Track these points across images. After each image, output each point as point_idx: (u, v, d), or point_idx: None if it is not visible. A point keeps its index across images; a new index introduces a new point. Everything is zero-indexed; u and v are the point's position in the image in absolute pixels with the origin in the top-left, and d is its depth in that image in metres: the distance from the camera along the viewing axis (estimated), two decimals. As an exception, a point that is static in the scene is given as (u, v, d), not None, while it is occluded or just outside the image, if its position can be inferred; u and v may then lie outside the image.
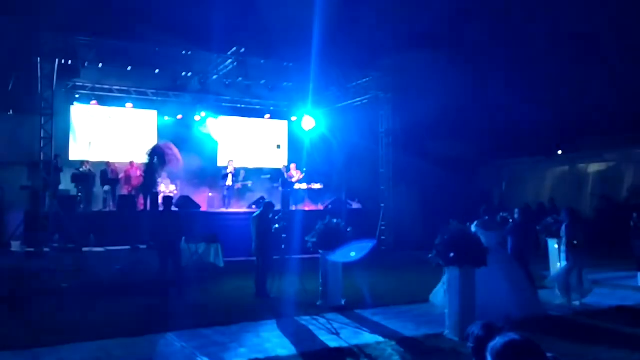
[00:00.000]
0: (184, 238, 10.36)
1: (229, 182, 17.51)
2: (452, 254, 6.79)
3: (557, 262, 9.95)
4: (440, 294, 8.18)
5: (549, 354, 2.58)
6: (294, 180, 18.23)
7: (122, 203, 14.73)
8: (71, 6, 14.48)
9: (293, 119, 21.07)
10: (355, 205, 18.33)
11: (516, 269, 8.10)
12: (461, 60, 23.76)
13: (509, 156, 23.54)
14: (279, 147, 20.84)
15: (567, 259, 8.86)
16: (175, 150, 16.98)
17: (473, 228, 7.77)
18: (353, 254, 8.89)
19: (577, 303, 8.74)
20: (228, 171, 17.47)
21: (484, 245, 7.08)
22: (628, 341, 6.69)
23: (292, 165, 18.68)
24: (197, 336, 6.95)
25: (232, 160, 18.23)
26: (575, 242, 8.73)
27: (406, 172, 18.34)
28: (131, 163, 16.62)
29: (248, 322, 7.59)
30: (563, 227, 9.03)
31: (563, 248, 9.00)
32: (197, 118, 18.72)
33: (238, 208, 17.16)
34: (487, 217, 8.17)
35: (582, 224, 9.46)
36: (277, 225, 9.82)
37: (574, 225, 8.90)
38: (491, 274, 7.43)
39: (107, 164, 16.38)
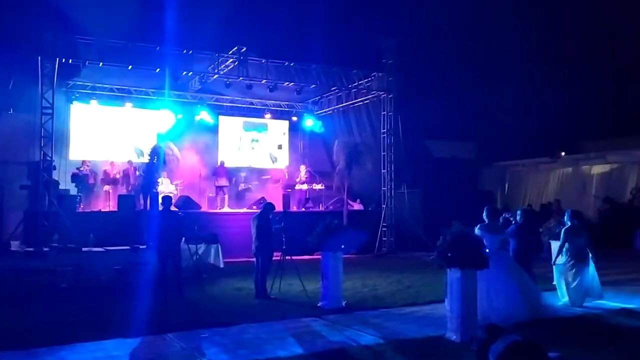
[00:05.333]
0: (183, 238, 10.31)
1: (224, 182, 17.50)
2: (453, 256, 6.73)
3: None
4: None
5: (556, 354, 2.54)
6: (297, 180, 18.22)
7: (121, 203, 14.69)
8: (72, 5, 14.47)
9: (294, 119, 21.03)
10: (357, 206, 18.29)
11: (520, 272, 8.04)
12: (464, 61, 23.72)
13: (512, 157, 23.48)
14: (279, 147, 20.80)
15: (571, 262, 8.78)
16: (175, 150, 16.97)
17: (476, 231, 7.71)
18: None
19: (578, 304, 8.67)
20: (221, 171, 17.52)
21: (487, 248, 7.02)
22: (632, 343, 6.62)
23: (302, 167, 18.65)
24: (197, 337, 6.90)
25: (223, 161, 18.23)
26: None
27: (408, 173, 18.29)
28: (130, 162, 16.61)
29: (248, 324, 7.53)
30: (564, 229, 8.95)
31: (566, 248, 8.91)
32: (197, 118, 18.68)
33: (238, 208, 17.13)
34: (489, 220, 8.09)
35: (586, 225, 9.38)
36: (277, 226, 9.77)
37: (577, 227, 8.83)
38: (495, 277, 7.37)
39: (110, 164, 16.37)
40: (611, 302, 9.01)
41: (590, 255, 8.84)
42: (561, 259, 8.93)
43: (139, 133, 18.36)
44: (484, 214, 8.17)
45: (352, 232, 9.03)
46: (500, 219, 8.92)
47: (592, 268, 8.88)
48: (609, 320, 7.87)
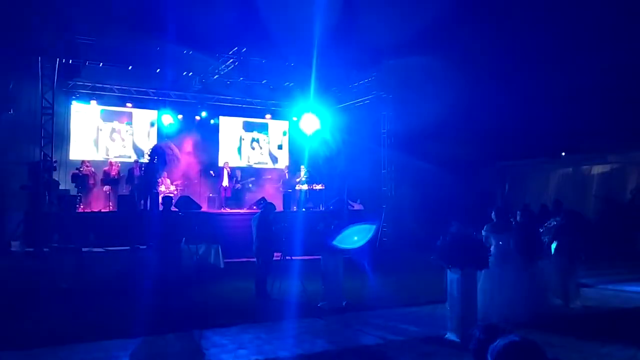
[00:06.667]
0: (183, 239, 10.31)
1: (225, 182, 17.52)
2: (453, 256, 6.74)
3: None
4: None
5: (550, 356, 2.54)
6: (297, 180, 18.21)
7: (122, 203, 14.69)
8: (72, 5, 14.47)
9: (294, 119, 21.03)
10: (357, 206, 18.27)
11: (528, 271, 8.03)
12: (464, 61, 23.69)
13: (512, 157, 23.45)
14: (280, 147, 20.80)
15: (563, 262, 8.81)
16: (176, 150, 16.98)
17: (483, 232, 7.72)
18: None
19: (578, 304, 8.67)
20: (224, 172, 17.56)
21: (488, 247, 7.02)
22: (631, 343, 6.62)
23: (302, 167, 18.65)
24: (197, 337, 6.91)
25: (227, 162, 18.26)
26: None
27: (408, 173, 18.28)
28: (136, 162, 16.60)
29: (248, 324, 7.54)
30: (560, 229, 8.93)
31: (560, 250, 8.92)
32: (197, 118, 18.69)
33: (238, 209, 17.13)
34: (497, 220, 8.09)
35: (582, 226, 9.36)
36: (279, 226, 9.78)
37: (571, 228, 8.83)
38: (499, 276, 7.37)
39: (109, 164, 16.37)
40: (611, 301, 9.02)
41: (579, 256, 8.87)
42: (559, 258, 8.94)
43: (139, 133, 18.38)
44: (493, 214, 8.16)
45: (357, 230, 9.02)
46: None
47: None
48: (608, 320, 7.87)
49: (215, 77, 16.12)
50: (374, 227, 10.05)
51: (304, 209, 17.55)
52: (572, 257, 8.82)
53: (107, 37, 14.12)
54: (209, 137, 19.11)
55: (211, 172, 18.10)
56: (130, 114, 18.42)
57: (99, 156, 17.27)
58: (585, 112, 22.31)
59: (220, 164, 18.67)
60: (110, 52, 14.22)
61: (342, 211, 16.35)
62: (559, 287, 8.91)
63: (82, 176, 15.39)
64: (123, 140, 18.16)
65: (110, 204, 15.70)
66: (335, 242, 8.65)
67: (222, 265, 12.42)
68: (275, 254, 9.77)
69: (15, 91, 14.31)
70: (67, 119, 16.96)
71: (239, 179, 18.43)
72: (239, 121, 20.39)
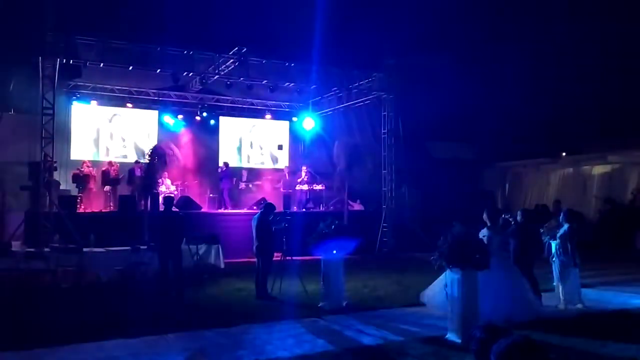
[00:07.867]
0: (184, 239, 10.31)
1: (228, 183, 17.54)
2: (454, 256, 6.73)
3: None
4: (430, 295, 8.11)
5: (551, 356, 2.55)
6: (298, 180, 18.22)
7: (122, 203, 14.69)
8: (73, 6, 14.48)
9: (294, 119, 21.03)
10: (357, 207, 18.29)
11: (517, 273, 8.04)
12: (464, 61, 23.72)
13: (513, 158, 23.47)
14: (280, 147, 20.80)
15: (566, 263, 8.78)
16: (176, 150, 16.99)
17: (485, 231, 7.71)
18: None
19: (580, 306, 8.66)
20: (221, 171, 17.61)
21: (488, 248, 7.02)
22: (631, 343, 6.62)
23: (303, 168, 18.66)
24: (198, 338, 6.91)
25: (227, 162, 18.27)
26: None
27: (408, 173, 18.28)
28: (137, 162, 16.61)
29: (248, 324, 7.54)
30: (561, 230, 8.90)
31: (561, 251, 8.88)
32: (198, 118, 18.69)
33: (239, 209, 17.13)
34: (491, 223, 8.08)
35: (582, 226, 9.33)
36: (279, 226, 9.78)
37: (572, 228, 8.81)
38: (497, 277, 7.36)
39: (108, 163, 16.35)
40: (611, 302, 9.01)
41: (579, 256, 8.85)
42: (559, 260, 8.91)
43: (140, 134, 18.38)
44: (485, 215, 8.14)
45: (349, 236, 8.97)
46: (500, 220, 8.90)
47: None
48: (609, 321, 7.87)
49: (215, 77, 16.10)
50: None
51: (304, 210, 17.55)
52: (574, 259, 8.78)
53: (107, 37, 14.11)
54: (209, 137, 19.12)
55: (219, 168, 18.16)
56: (131, 115, 18.40)
57: (99, 157, 17.27)
58: (586, 112, 22.33)
59: (221, 164, 18.67)
60: (110, 52, 14.19)
61: (342, 211, 16.37)
62: (560, 287, 8.89)
63: (82, 176, 15.39)
64: (123, 140, 18.16)
65: (111, 204, 15.70)
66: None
67: (222, 266, 12.42)
68: (275, 254, 9.78)
69: (16, 91, 14.30)
70: (68, 119, 16.95)
71: (243, 179, 18.45)
72: (239, 121, 20.39)
